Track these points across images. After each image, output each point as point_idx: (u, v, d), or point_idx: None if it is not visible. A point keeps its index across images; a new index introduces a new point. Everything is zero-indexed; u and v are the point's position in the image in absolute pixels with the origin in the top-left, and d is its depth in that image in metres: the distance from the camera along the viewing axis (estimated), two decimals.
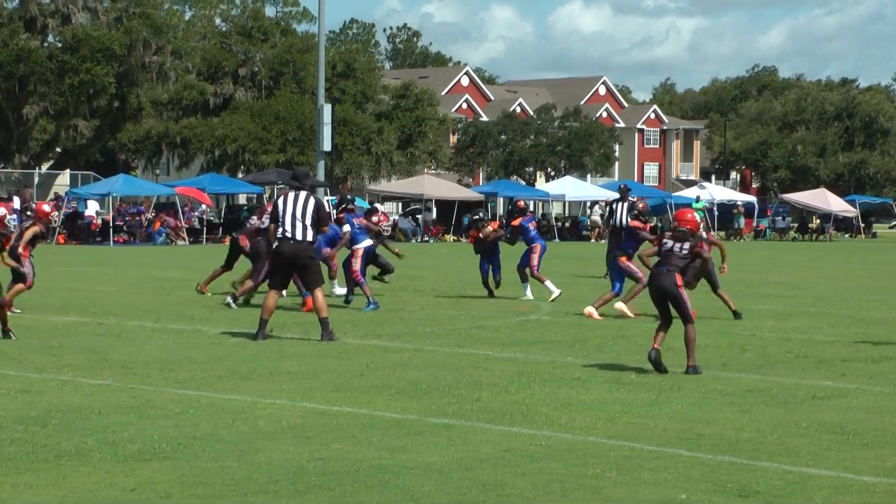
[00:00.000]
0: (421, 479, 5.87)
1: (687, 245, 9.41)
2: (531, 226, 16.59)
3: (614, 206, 22.12)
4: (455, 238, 46.80)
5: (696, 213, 9.94)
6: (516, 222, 16.17)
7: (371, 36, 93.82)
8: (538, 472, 6.15)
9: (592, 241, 42.99)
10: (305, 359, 9.95)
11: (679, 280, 9.32)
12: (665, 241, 9.59)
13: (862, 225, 51.36)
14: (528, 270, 16.17)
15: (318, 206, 11.15)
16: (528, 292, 16.03)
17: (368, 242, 14.83)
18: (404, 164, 52.94)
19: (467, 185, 52.85)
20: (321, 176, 40.86)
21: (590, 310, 13.25)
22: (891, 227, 58.78)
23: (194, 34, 53.97)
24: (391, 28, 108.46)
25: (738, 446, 6.73)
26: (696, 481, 5.93)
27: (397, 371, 9.42)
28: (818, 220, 50.04)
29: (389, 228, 15.67)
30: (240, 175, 50.17)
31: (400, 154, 52.72)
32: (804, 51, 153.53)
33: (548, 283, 15.65)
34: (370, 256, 15.10)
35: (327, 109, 40.64)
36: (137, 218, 39.59)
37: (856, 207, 51.50)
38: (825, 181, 62.85)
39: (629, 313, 13.31)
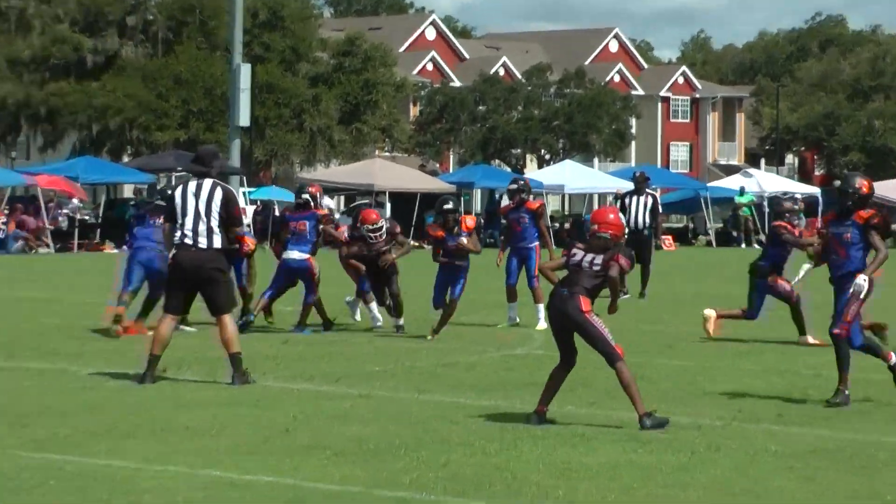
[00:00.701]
0: None
1: (600, 258, 9.39)
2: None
3: (627, 201, 23.20)
4: (416, 244, 47.32)
5: (620, 215, 10.07)
6: (537, 205, 16.31)
7: None
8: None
9: None
10: (210, 409, 10.15)
11: (584, 304, 9.33)
12: (574, 251, 9.64)
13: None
14: (518, 285, 16.36)
15: (227, 200, 11.30)
16: (515, 314, 16.26)
17: (295, 255, 15.44)
18: (348, 145, 56.29)
19: (433, 173, 55.62)
20: (236, 160, 42.55)
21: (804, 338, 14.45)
22: None
23: None
24: None
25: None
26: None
27: (336, 425, 9.66)
28: None
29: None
30: (126, 159, 53.11)
31: (343, 130, 55.99)
32: None
33: (541, 306, 15.62)
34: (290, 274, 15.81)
35: (245, 71, 42.61)
36: None
37: None
38: None
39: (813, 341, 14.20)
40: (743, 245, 44.86)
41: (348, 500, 7.40)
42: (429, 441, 9.00)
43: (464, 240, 15.00)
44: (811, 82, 77.51)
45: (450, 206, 15.33)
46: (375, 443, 8.93)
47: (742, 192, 48.26)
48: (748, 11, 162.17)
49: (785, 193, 53.65)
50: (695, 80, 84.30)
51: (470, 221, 15.31)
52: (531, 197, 16.93)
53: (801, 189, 55.27)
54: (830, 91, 75.46)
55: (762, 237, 41.88)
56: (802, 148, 78.61)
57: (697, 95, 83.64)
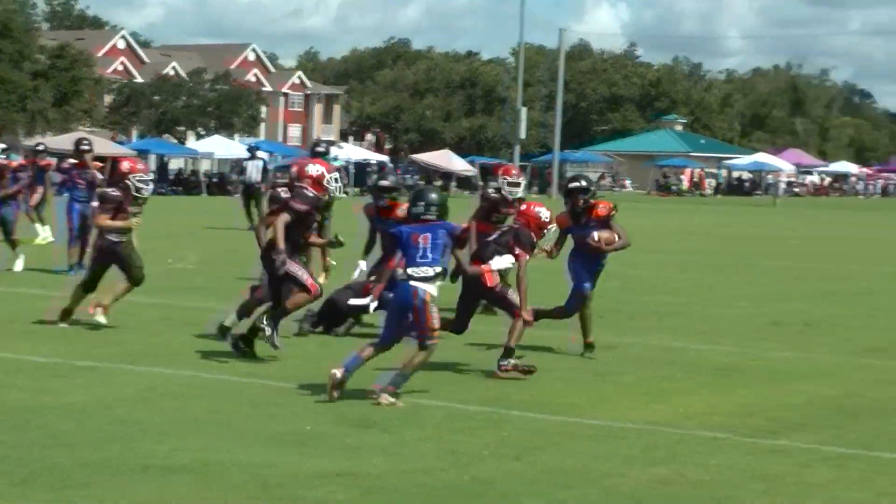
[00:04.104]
0: (62, 418, 9.28)
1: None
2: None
3: (245, 164, 31.96)
4: None
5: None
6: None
7: None
8: (176, 409, 9.85)
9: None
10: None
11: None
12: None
13: (481, 183, 77.64)
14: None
15: None
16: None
17: None
18: (59, 121, 73.33)
19: (121, 143, 73.69)
20: None
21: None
22: None
23: None
24: None
25: (361, 382, 10.54)
26: (321, 413, 9.82)
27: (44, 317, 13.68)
28: (441, 178, 71.35)
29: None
30: None
31: (55, 111, 73.51)
32: (437, 25, 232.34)
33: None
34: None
35: None
36: None
37: (475, 167, 79.88)
38: (450, 143, 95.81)
39: None
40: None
41: (51, 368, 11.20)
42: (113, 327, 13.24)
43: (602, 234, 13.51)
44: (385, 85, 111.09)
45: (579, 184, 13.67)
46: (72, 329, 12.95)
47: (336, 158, 61.44)
48: (345, 34, 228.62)
49: (365, 160, 70.84)
50: (307, 82, 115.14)
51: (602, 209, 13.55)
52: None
53: (375, 157, 79.36)
54: (398, 91, 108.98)
55: (348, 189, 59.58)
56: (378, 129, 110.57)
57: (308, 92, 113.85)
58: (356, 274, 14.25)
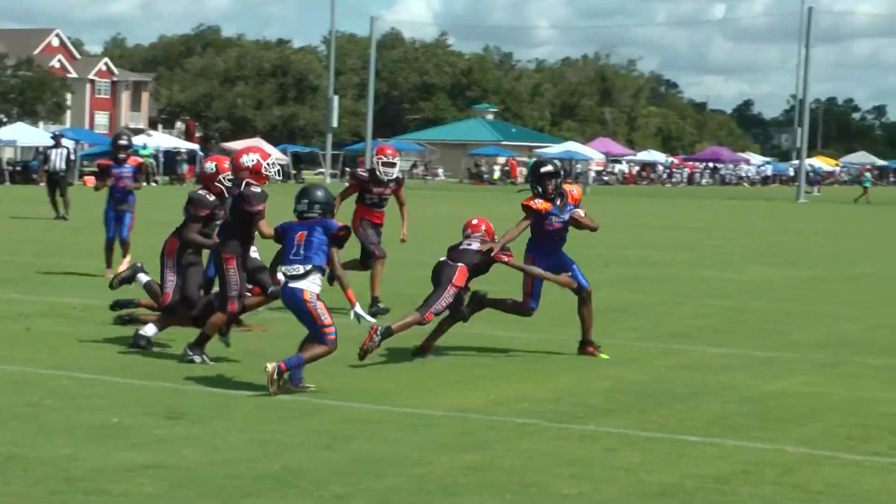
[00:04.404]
0: None
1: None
2: None
3: (48, 152, 33.09)
4: None
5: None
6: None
7: None
8: None
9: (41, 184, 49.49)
10: None
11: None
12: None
13: (294, 171, 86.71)
14: None
15: None
16: None
17: None
18: None
19: None
20: None
21: None
22: (316, 174, 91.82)
23: None
24: None
25: (170, 375, 11.00)
26: (129, 405, 9.77)
27: None
28: None
29: None
30: None
31: None
32: (247, 13, 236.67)
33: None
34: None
35: None
36: None
37: (288, 155, 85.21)
38: (261, 132, 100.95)
39: None
40: (143, 183, 59.48)
41: None
42: None
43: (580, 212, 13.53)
44: (195, 72, 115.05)
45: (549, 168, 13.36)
46: None
47: (144, 146, 65.51)
48: (152, 20, 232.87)
49: (174, 149, 74.78)
50: (114, 68, 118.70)
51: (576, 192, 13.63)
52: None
53: (185, 145, 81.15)
54: (208, 78, 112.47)
55: (158, 178, 66.79)
56: (188, 117, 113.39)
57: (115, 79, 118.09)
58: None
